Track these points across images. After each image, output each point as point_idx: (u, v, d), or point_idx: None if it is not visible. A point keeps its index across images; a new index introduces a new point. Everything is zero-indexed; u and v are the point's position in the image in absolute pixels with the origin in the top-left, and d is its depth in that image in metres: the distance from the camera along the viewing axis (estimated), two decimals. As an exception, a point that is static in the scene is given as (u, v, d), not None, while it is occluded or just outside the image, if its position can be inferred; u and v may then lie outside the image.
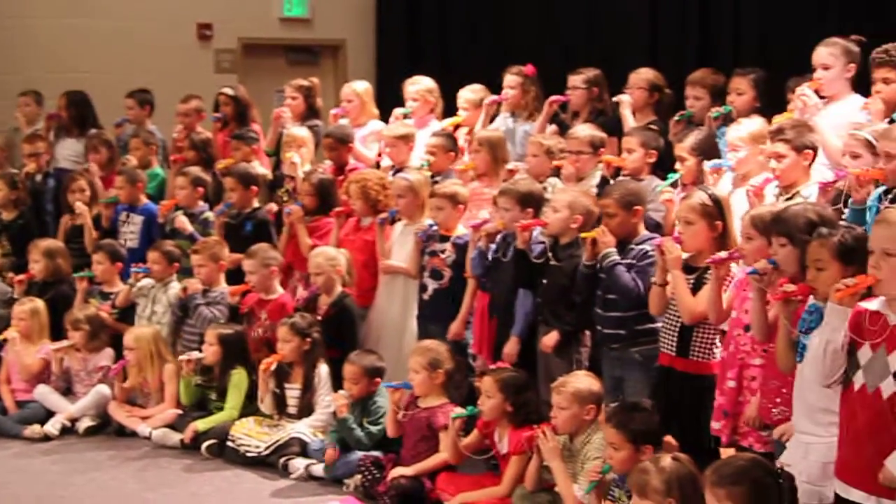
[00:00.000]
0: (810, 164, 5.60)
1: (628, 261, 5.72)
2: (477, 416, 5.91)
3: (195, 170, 8.50)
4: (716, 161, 6.06)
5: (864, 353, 3.96)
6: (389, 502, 5.95)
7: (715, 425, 5.12)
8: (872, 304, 3.99)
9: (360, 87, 8.74)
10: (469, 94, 8.22)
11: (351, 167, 8.11)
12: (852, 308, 3.98)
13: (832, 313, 4.01)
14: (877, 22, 7.42)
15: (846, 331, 3.97)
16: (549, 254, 6.17)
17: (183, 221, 8.12)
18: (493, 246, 6.54)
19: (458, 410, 5.97)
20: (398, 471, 6.04)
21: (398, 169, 7.75)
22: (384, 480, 6.05)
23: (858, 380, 3.97)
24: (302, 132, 8.40)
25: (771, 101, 6.76)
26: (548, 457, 5.38)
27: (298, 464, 6.52)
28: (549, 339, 6.11)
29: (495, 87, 8.10)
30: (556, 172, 6.96)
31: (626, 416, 4.97)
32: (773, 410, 4.75)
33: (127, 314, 7.87)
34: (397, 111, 8.38)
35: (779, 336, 4.53)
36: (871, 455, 3.92)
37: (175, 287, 7.69)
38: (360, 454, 6.31)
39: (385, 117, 8.58)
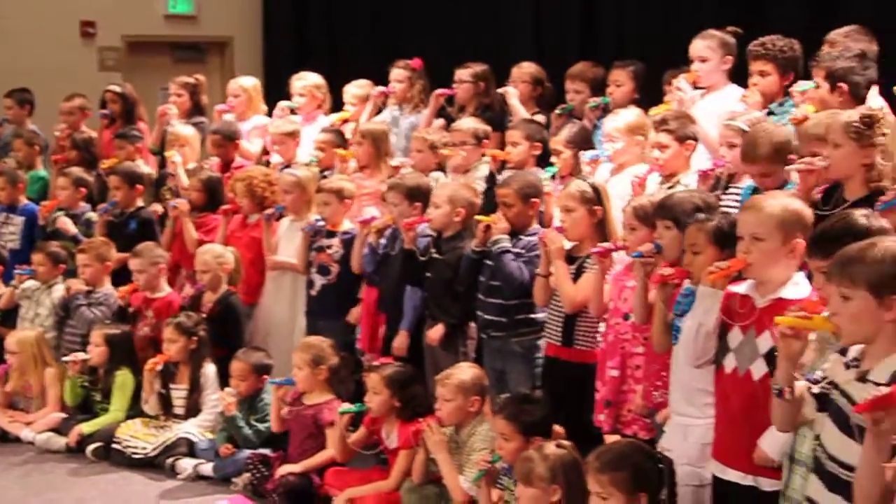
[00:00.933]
0: (691, 155, 5.70)
1: (517, 250, 5.76)
2: (365, 412, 5.91)
3: (76, 170, 8.36)
4: (592, 152, 6.13)
5: (735, 336, 4.05)
6: (278, 500, 5.93)
7: (599, 416, 5.17)
8: (741, 288, 4.08)
9: (248, 83, 8.71)
10: (356, 89, 8.23)
11: (237, 164, 8.06)
12: (724, 290, 4.07)
13: (704, 296, 4.09)
14: (753, 14, 7.57)
15: (718, 313, 4.06)
16: (433, 249, 6.19)
17: (65, 222, 7.98)
18: (383, 241, 6.55)
19: (346, 406, 5.95)
20: (286, 468, 6.02)
21: (286, 165, 7.72)
22: (272, 478, 6.01)
23: (730, 363, 4.05)
24: (186, 130, 8.32)
25: (650, 94, 6.87)
26: (433, 449, 5.40)
27: (186, 464, 6.45)
28: (435, 332, 6.14)
29: (383, 83, 8.11)
30: (441, 167, 7.00)
31: (518, 407, 5.00)
32: (655, 393, 4.83)
33: (8, 317, 7.70)
34: (283, 104, 8.35)
35: (654, 317, 4.62)
36: (745, 435, 4.00)
37: (59, 289, 7.55)
38: (248, 452, 6.27)
39: (271, 114, 8.54)
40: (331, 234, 6.93)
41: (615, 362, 5.11)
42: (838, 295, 3.21)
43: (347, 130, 7.91)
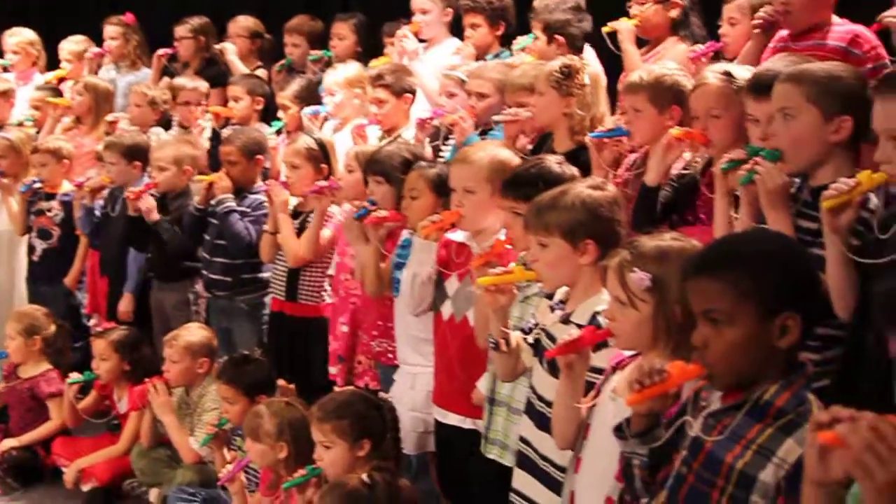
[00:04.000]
0: (410, 108, 5.76)
1: (242, 209, 5.69)
2: (94, 380, 5.76)
3: None
4: (312, 108, 6.11)
5: (452, 284, 4.17)
6: (2, 475, 5.72)
7: (332, 370, 5.19)
8: (457, 236, 4.19)
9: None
10: (72, 45, 7.91)
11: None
12: (438, 242, 4.16)
13: (419, 248, 4.19)
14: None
15: (433, 263, 4.14)
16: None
17: None
18: (100, 202, 6.35)
19: (75, 376, 5.76)
20: (7, 443, 5.82)
21: (-2, 126, 7.40)
22: (-6, 454, 5.81)
23: (447, 309, 4.17)
24: None
25: (373, 47, 6.89)
26: (159, 411, 5.32)
27: None
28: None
29: (100, 39, 7.85)
30: (161, 122, 6.86)
31: (237, 369, 4.97)
32: (373, 343, 4.87)
33: None
34: (-5, 63, 8.01)
35: (367, 262, 4.63)
36: (464, 380, 4.13)
37: None
38: (-35, 430, 6.03)
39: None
40: (50, 197, 6.68)
41: (345, 318, 5.12)
42: (536, 243, 3.33)
43: (65, 89, 7.61)
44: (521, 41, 5.72)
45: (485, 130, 5.13)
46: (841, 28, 4.21)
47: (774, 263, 2.45)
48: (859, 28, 4.21)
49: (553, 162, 3.84)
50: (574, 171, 3.85)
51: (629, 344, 2.92)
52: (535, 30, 5.41)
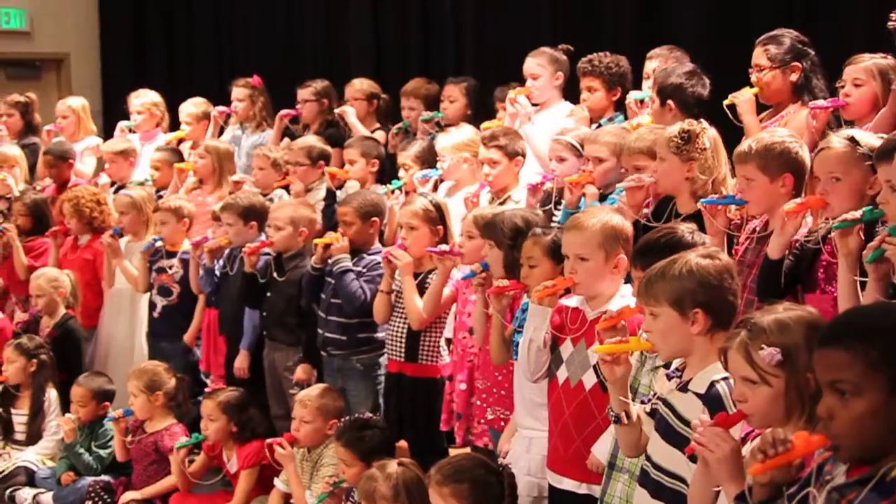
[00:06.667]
0: (520, 170, 5.79)
1: (358, 269, 5.74)
2: (203, 441, 5.86)
3: None
4: (423, 171, 6.18)
5: (566, 348, 4.15)
6: (121, 528, 5.87)
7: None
8: (572, 301, 4.19)
9: (76, 104, 8.61)
10: (191, 107, 8.15)
11: (73, 184, 7.93)
12: (552, 308, 4.17)
13: (534, 313, 4.18)
14: (586, 33, 7.70)
15: (548, 328, 4.15)
16: (274, 270, 6.10)
17: None
18: (220, 262, 6.48)
19: (182, 440, 5.89)
20: (128, 495, 5.95)
21: (120, 185, 7.61)
22: (115, 506, 5.94)
23: (562, 374, 4.15)
24: (13, 151, 8.21)
25: (485, 110, 6.95)
26: (281, 460, 5.38)
27: (25, 494, 6.30)
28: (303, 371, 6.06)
29: (222, 102, 8.08)
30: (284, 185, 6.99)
31: (356, 434, 5.01)
32: (488, 410, 4.88)
33: None
34: (122, 124, 8.26)
35: (492, 330, 4.66)
36: (578, 444, 4.10)
37: None
38: (89, 480, 6.16)
39: (110, 132, 8.41)
40: (171, 255, 6.83)
41: (463, 375, 5.15)
42: (648, 313, 3.31)
43: (184, 149, 7.83)
44: (634, 93, 5.75)
45: (604, 196, 5.13)
46: None
47: None
48: None
49: (685, 231, 3.79)
50: (706, 238, 3.83)
51: (765, 422, 2.85)
52: (653, 90, 5.42)
